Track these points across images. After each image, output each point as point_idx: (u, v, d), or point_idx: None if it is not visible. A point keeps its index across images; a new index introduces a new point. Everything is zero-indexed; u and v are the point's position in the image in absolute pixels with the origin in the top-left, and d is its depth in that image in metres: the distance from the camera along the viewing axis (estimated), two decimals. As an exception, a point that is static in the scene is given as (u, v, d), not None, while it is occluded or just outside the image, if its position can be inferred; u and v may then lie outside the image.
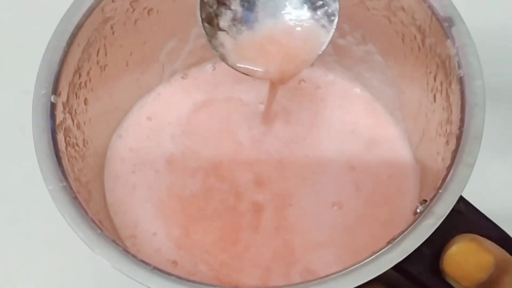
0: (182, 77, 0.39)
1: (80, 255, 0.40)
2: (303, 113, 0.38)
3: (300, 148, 0.36)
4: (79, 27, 0.30)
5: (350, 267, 0.24)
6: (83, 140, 0.32)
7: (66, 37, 0.30)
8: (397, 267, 0.26)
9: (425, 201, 0.29)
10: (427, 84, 0.32)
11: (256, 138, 0.37)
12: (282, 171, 0.36)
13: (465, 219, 0.27)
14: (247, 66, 0.32)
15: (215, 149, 0.36)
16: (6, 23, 0.50)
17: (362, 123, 0.37)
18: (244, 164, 0.36)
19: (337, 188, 0.35)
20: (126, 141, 0.37)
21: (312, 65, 0.33)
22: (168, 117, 0.38)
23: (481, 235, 0.27)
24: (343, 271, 0.24)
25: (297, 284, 0.24)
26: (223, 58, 0.33)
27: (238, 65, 0.33)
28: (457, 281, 0.26)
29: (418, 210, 0.29)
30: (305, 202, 0.34)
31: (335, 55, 0.38)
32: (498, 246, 0.27)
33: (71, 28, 0.30)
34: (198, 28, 0.36)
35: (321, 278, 0.24)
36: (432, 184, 0.30)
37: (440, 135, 0.31)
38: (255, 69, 0.32)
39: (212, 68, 0.39)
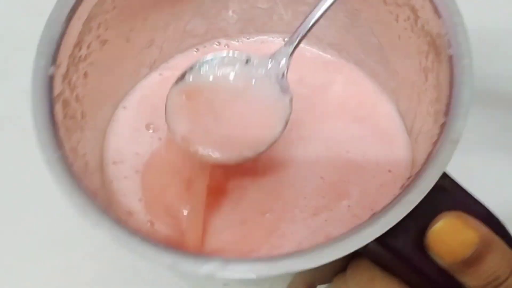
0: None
1: (80, 255, 0.41)
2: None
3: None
4: (79, 1, 0.31)
5: (333, 240, 0.25)
6: (82, 112, 0.32)
7: (67, 10, 0.31)
8: (382, 242, 0.26)
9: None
10: (420, 63, 0.32)
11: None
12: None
13: (450, 196, 0.27)
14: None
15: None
16: (6, 24, 0.50)
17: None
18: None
19: (334, 169, 0.35)
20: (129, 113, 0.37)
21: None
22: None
23: (466, 213, 0.27)
24: (326, 243, 0.25)
25: (281, 256, 0.25)
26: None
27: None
28: (441, 258, 0.26)
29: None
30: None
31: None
32: (482, 224, 0.27)
33: (71, 2, 0.31)
34: (197, 8, 0.37)
35: (301, 250, 0.25)
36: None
37: (430, 114, 0.31)
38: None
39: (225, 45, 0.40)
